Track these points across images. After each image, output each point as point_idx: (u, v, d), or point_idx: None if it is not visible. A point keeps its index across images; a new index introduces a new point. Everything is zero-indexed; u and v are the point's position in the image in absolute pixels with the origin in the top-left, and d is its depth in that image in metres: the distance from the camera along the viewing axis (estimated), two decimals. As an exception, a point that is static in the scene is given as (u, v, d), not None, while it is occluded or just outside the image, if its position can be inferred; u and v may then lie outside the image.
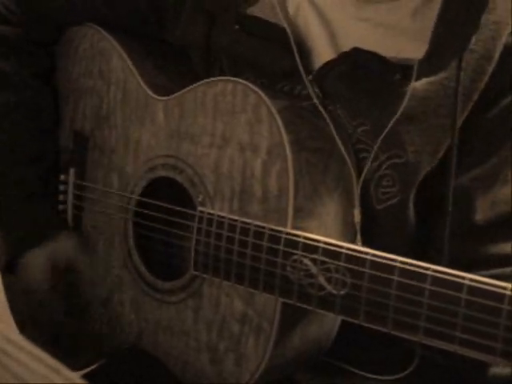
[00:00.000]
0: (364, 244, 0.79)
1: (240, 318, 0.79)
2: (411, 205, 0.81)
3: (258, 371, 0.77)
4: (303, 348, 0.81)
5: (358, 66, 0.79)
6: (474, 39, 0.76)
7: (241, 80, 0.79)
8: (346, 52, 0.79)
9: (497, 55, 0.77)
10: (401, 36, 0.78)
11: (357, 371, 0.88)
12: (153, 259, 0.89)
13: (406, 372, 0.86)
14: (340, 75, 0.80)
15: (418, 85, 0.77)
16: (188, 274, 0.82)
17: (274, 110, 0.76)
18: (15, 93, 0.94)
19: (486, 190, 0.80)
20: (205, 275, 0.80)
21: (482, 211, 0.80)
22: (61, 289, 0.94)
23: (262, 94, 0.77)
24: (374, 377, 0.88)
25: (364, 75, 0.79)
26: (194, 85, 0.83)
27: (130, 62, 0.90)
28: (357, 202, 0.79)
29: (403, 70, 0.77)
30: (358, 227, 0.79)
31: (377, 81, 0.79)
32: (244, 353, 0.78)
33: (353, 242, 0.79)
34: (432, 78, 0.77)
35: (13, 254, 0.94)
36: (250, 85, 0.78)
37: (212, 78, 0.82)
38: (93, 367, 0.94)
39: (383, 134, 0.78)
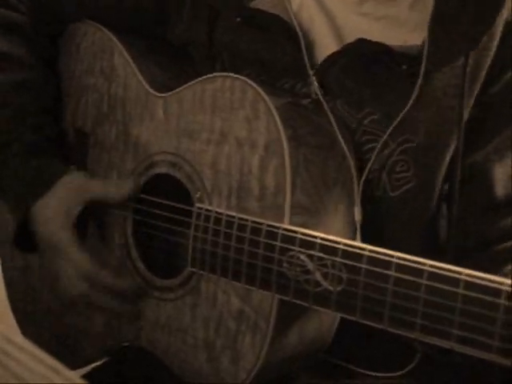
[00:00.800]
0: (379, 233, 0.79)
1: (237, 315, 0.78)
2: (433, 190, 0.80)
3: (255, 369, 0.77)
4: (301, 346, 0.80)
5: (363, 57, 0.80)
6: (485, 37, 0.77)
7: (239, 76, 0.79)
8: (350, 43, 0.80)
9: (499, 31, 0.78)
10: (402, 27, 0.79)
11: (357, 369, 0.88)
12: (152, 256, 0.89)
13: (406, 369, 0.86)
14: (344, 67, 0.81)
15: (426, 72, 0.77)
16: (186, 270, 0.82)
17: (271, 106, 0.76)
18: (21, 73, 0.93)
19: (501, 162, 0.80)
20: (202, 272, 0.80)
21: (501, 185, 0.80)
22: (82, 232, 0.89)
23: (260, 90, 0.77)
24: (375, 374, 0.87)
25: (369, 66, 0.80)
26: (193, 81, 0.83)
27: (130, 60, 0.90)
28: (357, 200, 0.78)
29: (409, 61, 0.78)
30: (358, 226, 0.78)
31: (383, 71, 0.79)
32: (240, 350, 0.78)
33: (353, 240, 0.78)
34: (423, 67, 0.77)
35: (22, 209, 0.89)
36: (249, 81, 0.78)
37: (210, 74, 0.82)
38: (92, 366, 0.94)
39: (395, 123, 0.78)
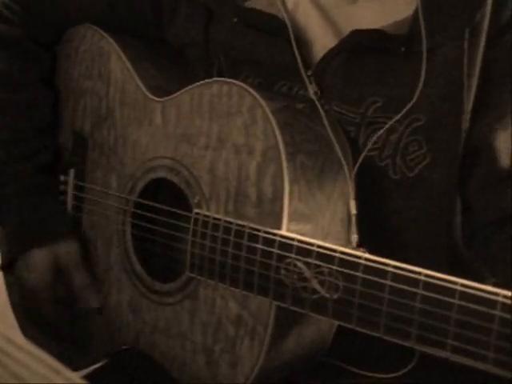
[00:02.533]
0: (397, 216, 0.80)
1: (235, 320, 0.78)
2: (450, 164, 0.80)
3: (253, 374, 0.77)
4: (300, 350, 0.81)
5: (360, 48, 0.79)
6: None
7: (236, 81, 0.79)
8: (345, 38, 0.80)
9: None
10: (394, 4, 0.79)
11: (356, 370, 0.88)
12: (150, 260, 0.89)
13: (405, 370, 0.86)
14: (341, 63, 0.81)
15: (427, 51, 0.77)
16: (184, 275, 0.82)
17: (269, 113, 0.75)
18: (14, 92, 0.94)
19: (504, 128, 0.79)
20: (200, 277, 0.80)
21: (504, 154, 0.80)
22: (60, 291, 0.94)
23: (258, 96, 0.77)
24: (373, 375, 0.87)
25: (368, 55, 0.80)
26: (191, 86, 0.83)
27: (128, 63, 0.90)
28: (352, 194, 0.78)
29: (407, 41, 0.78)
30: (353, 219, 0.78)
31: (383, 57, 0.79)
32: (239, 355, 0.78)
33: (349, 237, 0.78)
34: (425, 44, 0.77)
35: (14, 252, 0.93)
36: (246, 86, 0.78)
37: (208, 80, 0.82)
38: (92, 368, 0.95)
39: (406, 108, 0.78)
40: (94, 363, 0.95)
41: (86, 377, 0.90)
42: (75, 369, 0.95)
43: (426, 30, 0.77)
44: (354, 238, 0.78)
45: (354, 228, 0.78)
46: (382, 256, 0.69)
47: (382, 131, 0.79)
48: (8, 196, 0.93)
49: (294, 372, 0.84)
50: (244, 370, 0.78)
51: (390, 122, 0.79)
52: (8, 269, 0.95)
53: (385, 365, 0.86)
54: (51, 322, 0.94)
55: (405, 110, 0.78)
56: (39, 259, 0.92)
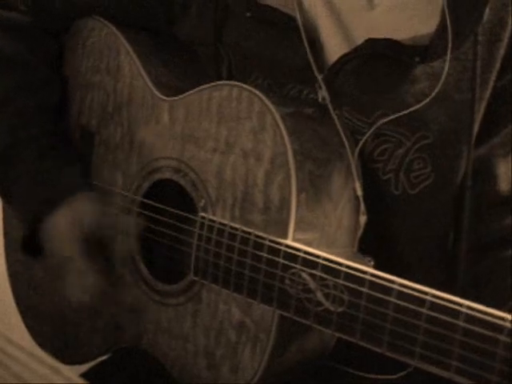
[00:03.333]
0: (396, 231, 0.79)
1: (237, 326, 0.78)
2: (452, 186, 0.79)
3: (253, 380, 0.77)
4: (301, 356, 0.81)
5: (374, 58, 0.78)
6: (487, 10, 0.75)
7: (247, 86, 0.78)
8: (359, 46, 0.78)
9: (510, 21, 0.76)
10: (413, 17, 0.78)
11: (355, 372, 0.88)
12: (155, 260, 0.89)
13: (404, 372, 0.85)
14: (354, 70, 0.79)
15: (437, 64, 0.76)
16: (188, 278, 0.82)
17: (278, 119, 0.74)
18: (23, 74, 0.93)
19: (506, 158, 0.79)
20: (204, 281, 0.80)
21: (505, 180, 0.79)
22: (91, 248, 0.88)
23: (267, 102, 0.75)
24: (372, 377, 0.88)
25: (380, 65, 0.78)
26: (200, 87, 0.81)
27: (137, 60, 0.89)
28: (355, 177, 0.77)
29: (422, 52, 0.76)
30: (361, 199, 0.77)
31: (395, 68, 0.78)
32: (240, 361, 0.78)
33: (354, 239, 0.78)
34: (450, 55, 0.76)
35: (33, 221, 0.89)
36: (256, 91, 0.76)
37: (218, 82, 0.81)
38: (92, 367, 0.95)
39: (409, 110, 0.77)
40: (94, 358, 0.96)
41: (85, 375, 0.91)
42: (75, 362, 0.96)
43: (451, 44, 0.75)
44: (363, 219, 0.77)
45: (362, 208, 0.77)
46: (381, 268, 0.69)
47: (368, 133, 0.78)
48: (22, 158, 0.89)
49: (294, 377, 0.85)
50: (245, 376, 0.78)
51: (377, 124, 0.78)
52: (28, 249, 0.92)
53: (384, 367, 0.86)
54: (54, 312, 0.93)
55: (408, 111, 0.77)
56: (60, 221, 0.87)
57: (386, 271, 0.68)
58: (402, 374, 0.86)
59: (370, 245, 0.78)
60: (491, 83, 0.77)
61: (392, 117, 0.78)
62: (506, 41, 0.76)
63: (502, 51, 0.77)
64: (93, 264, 0.87)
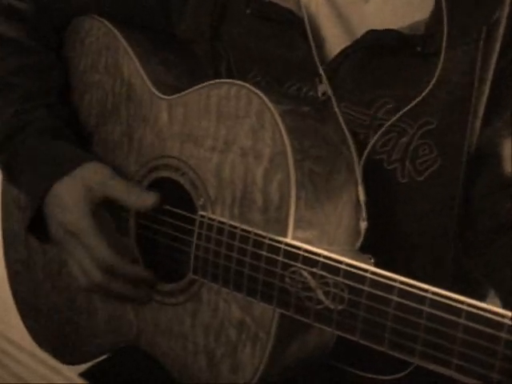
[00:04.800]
0: (403, 218, 0.79)
1: (237, 324, 0.78)
2: (459, 169, 0.79)
3: (254, 379, 0.77)
4: (302, 355, 0.80)
5: (375, 49, 0.78)
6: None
7: (245, 84, 0.77)
8: (359, 38, 0.79)
9: (508, 1, 0.77)
10: (409, 5, 0.78)
11: (356, 372, 0.88)
12: (154, 259, 0.89)
13: (405, 372, 0.85)
14: (355, 63, 0.79)
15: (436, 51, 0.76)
16: (187, 277, 0.82)
17: (277, 117, 0.74)
18: (25, 57, 0.92)
19: (510, 137, 0.79)
20: (204, 280, 0.80)
21: (510, 161, 0.79)
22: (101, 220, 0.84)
23: (266, 100, 0.75)
24: (374, 377, 0.87)
25: (382, 56, 0.78)
26: (199, 86, 0.81)
27: (135, 58, 0.89)
28: (359, 179, 0.77)
29: (422, 41, 0.77)
30: (363, 205, 0.77)
31: (397, 57, 0.78)
32: (240, 360, 0.78)
33: (356, 241, 0.78)
34: (445, 44, 0.76)
35: (39, 195, 0.85)
36: (255, 89, 0.76)
37: (216, 80, 0.81)
38: (92, 366, 0.95)
39: (411, 105, 0.77)
40: (94, 358, 0.96)
41: (85, 374, 0.91)
42: (74, 362, 0.96)
43: (443, 29, 0.76)
44: (364, 224, 0.77)
45: (364, 214, 0.77)
46: (387, 259, 0.69)
47: (384, 128, 0.78)
48: (26, 139, 0.88)
49: (295, 376, 0.85)
50: (245, 375, 0.78)
51: (395, 118, 0.78)
52: (34, 228, 0.88)
53: (385, 367, 0.86)
54: (53, 311, 0.92)
55: (410, 105, 0.77)
56: (69, 188, 0.84)
57: (391, 260, 0.67)
58: (402, 373, 0.86)
59: (377, 237, 0.78)
60: (493, 64, 0.77)
61: (398, 115, 0.78)
62: (504, 21, 0.76)
63: (501, 31, 0.77)
64: (102, 238, 0.83)
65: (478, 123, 0.78)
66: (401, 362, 0.85)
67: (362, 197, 0.77)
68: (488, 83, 0.77)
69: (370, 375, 0.88)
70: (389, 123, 0.78)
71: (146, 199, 0.84)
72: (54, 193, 0.84)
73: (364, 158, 0.78)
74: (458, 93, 0.78)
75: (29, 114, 0.89)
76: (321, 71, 0.80)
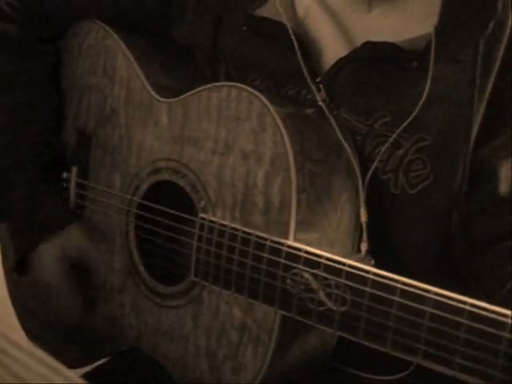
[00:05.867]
0: (393, 230, 0.80)
1: (239, 327, 0.78)
2: (452, 186, 0.80)
3: (256, 381, 0.77)
4: (303, 358, 0.81)
5: (372, 60, 0.79)
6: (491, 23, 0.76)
7: (246, 86, 0.78)
8: (357, 48, 0.79)
9: (510, 22, 0.77)
10: (411, 20, 0.79)
11: (357, 372, 0.88)
12: (154, 262, 0.89)
13: (406, 372, 0.86)
14: (352, 73, 0.80)
15: (436, 67, 0.77)
16: (188, 279, 0.82)
17: (278, 120, 0.75)
18: (21, 93, 0.93)
19: (507, 159, 0.80)
20: (205, 283, 0.80)
21: (505, 182, 0.80)
22: (74, 280, 0.93)
23: (267, 102, 0.76)
24: (374, 377, 0.88)
25: (379, 68, 0.79)
26: (199, 88, 0.82)
27: (134, 62, 0.89)
28: (362, 202, 0.78)
29: (419, 57, 0.77)
30: (364, 226, 0.78)
31: (394, 71, 0.78)
32: (242, 362, 0.78)
33: (359, 244, 0.78)
34: (433, 55, 0.77)
35: (23, 251, 0.93)
36: (256, 92, 0.77)
37: (216, 83, 0.81)
38: (92, 367, 0.95)
39: (406, 123, 0.78)
40: (94, 361, 0.95)
41: (86, 376, 0.91)
42: (75, 366, 0.96)
43: (438, 44, 0.76)
44: (364, 246, 0.78)
45: (364, 236, 0.78)
46: (382, 267, 0.69)
47: (386, 145, 0.79)
48: (14, 200, 0.92)
49: (295, 378, 0.85)
50: (247, 377, 0.78)
51: (393, 136, 0.79)
52: (19, 269, 0.95)
53: (386, 367, 0.87)
54: (61, 317, 0.94)
55: (406, 122, 0.78)
56: (48, 252, 0.92)
57: (384, 270, 0.68)
58: (402, 374, 0.86)
59: (370, 243, 0.78)
60: (490, 84, 0.78)
61: (397, 132, 0.78)
62: (505, 42, 0.77)
63: (501, 52, 0.77)
64: (77, 295, 0.92)
65: (472, 143, 0.79)
66: (401, 362, 0.86)
67: (363, 218, 0.78)
68: (484, 103, 0.78)
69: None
70: (391, 139, 0.79)
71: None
72: (37, 254, 0.92)
73: (368, 179, 0.79)
74: (453, 111, 0.78)
75: (19, 174, 0.93)
76: (311, 84, 0.81)
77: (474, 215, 0.81)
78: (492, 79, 0.78)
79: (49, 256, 0.91)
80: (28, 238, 0.92)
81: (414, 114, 0.78)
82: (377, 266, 0.73)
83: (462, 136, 0.79)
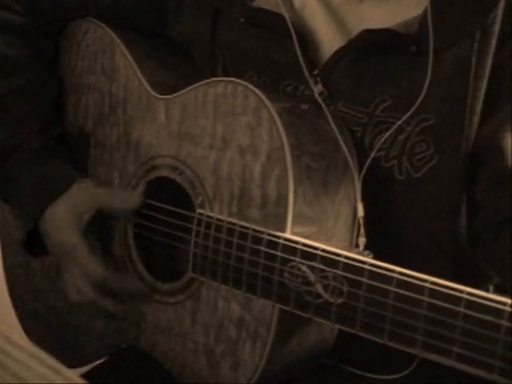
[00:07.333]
0: (402, 216, 0.79)
1: (237, 322, 0.78)
2: (457, 166, 0.79)
3: (254, 377, 0.77)
4: (302, 352, 0.80)
5: (370, 49, 0.79)
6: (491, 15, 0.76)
7: (242, 81, 0.78)
8: (354, 38, 0.79)
9: None
10: (403, 5, 0.79)
11: (357, 371, 0.87)
12: (152, 259, 0.88)
13: (406, 372, 0.85)
14: (350, 63, 0.80)
15: (436, 50, 0.77)
16: (186, 275, 0.82)
17: (274, 113, 0.75)
18: (22, 76, 0.93)
19: (511, 131, 0.78)
20: (203, 278, 0.80)
21: None
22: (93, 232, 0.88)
23: (263, 97, 0.76)
24: (374, 377, 0.87)
25: (377, 55, 0.79)
26: (195, 85, 0.82)
27: (132, 60, 0.89)
28: (358, 197, 0.78)
29: (417, 41, 0.77)
30: (361, 222, 0.78)
31: (392, 56, 0.78)
32: (241, 357, 0.78)
33: (356, 239, 0.78)
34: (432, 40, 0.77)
35: (33, 216, 0.88)
36: (251, 86, 0.77)
37: (213, 78, 0.81)
38: (92, 367, 0.95)
39: (413, 108, 0.78)
40: (94, 360, 0.95)
41: (86, 375, 0.90)
42: (75, 365, 0.95)
43: (435, 29, 0.76)
44: (362, 241, 0.77)
45: (361, 231, 0.77)
46: (387, 257, 0.69)
47: (390, 131, 0.79)
48: (18, 161, 0.90)
49: (295, 374, 0.84)
50: (246, 372, 0.77)
51: (399, 122, 0.78)
52: (28, 246, 0.92)
53: (386, 366, 0.86)
54: (52, 315, 0.93)
55: (414, 107, 0.78)
56: (60, 210, 0.87)
57: (391, 258, 0.68)
58: (402, 373, 0.86)
59: (376, 235, 0.78)
60: (489, 60, 0.77)
61: (403, 118, 0.78)
62: (500, 16, 0.77)
63: (497, 27, 0.77)
64: (94, 255, 0.86)
65: (476, 119, 0.78)
66: (402, 362, 0.86)
67: (360, 213, 0.78)
68: (485, 79, 0.78)
69: (370, 375, 0.88)
70: (396, 126, 0.78)
71: (129, 200, 0.88)
72: (47, 216, 0.88)
73: (369, 169, 0.79)
74: (453, 90, 0.78)
75: (21, 136, 0.91)
76: (308, 76, 0.81)
77: (481, 195, 0.79)
78: (491, 56, 0.77)
79: (61, 215, 0.87)
80: (36, 202, 0.88)
81: (421, 97, 0.77)
82: (382, 256, 0.71)
83: (462, 114, 0.78)
